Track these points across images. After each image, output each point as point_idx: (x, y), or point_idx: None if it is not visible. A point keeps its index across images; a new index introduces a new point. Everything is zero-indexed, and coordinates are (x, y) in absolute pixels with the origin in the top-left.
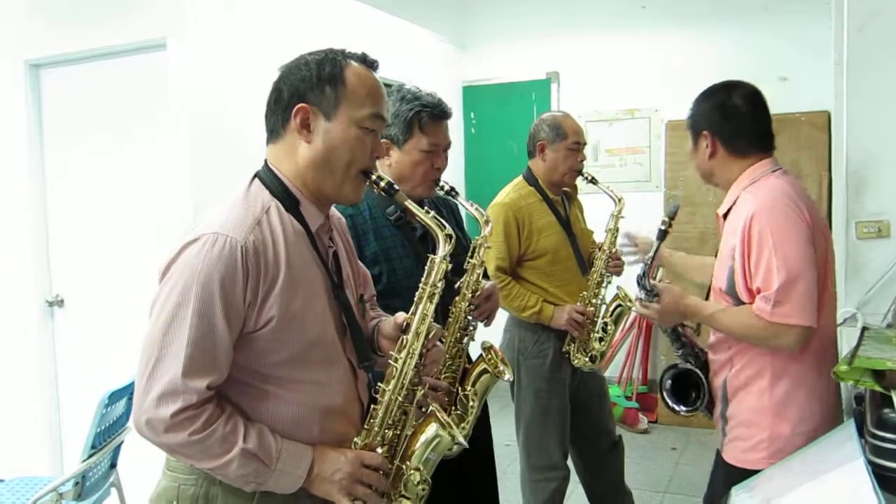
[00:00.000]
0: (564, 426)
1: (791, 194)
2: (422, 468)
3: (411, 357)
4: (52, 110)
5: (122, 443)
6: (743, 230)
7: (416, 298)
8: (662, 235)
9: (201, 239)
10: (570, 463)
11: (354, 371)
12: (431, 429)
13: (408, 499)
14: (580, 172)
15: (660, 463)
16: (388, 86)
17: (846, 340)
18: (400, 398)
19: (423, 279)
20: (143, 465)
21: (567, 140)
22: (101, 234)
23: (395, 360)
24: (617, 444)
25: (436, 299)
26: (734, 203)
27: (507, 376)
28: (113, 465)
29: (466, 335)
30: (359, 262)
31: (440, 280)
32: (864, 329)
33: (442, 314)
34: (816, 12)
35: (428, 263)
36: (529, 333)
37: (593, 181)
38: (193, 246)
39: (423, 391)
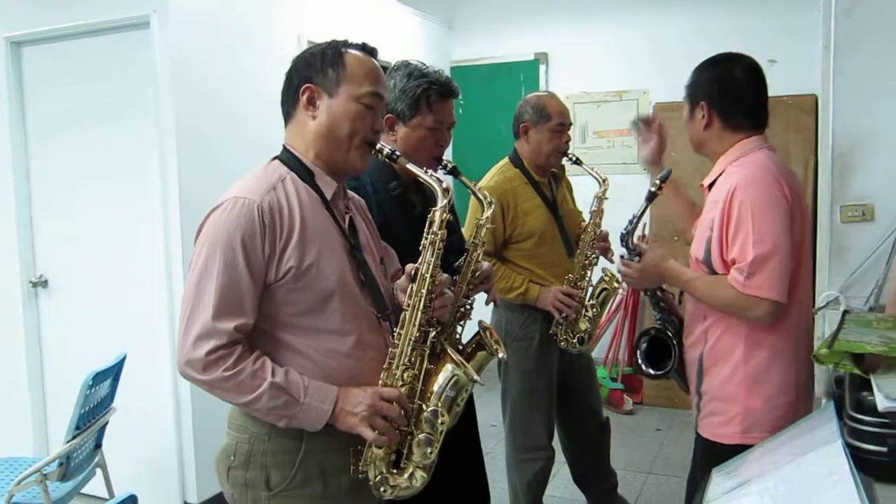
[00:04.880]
0: (550, 407)
1: (773, 170)
2: (440, 405)
3: (419, 300)
4: (34, 88)
5: (106, 423)
6: (724, 201)
7: (420, 248)
8: (651, 197)
9: (224, 204)
10: (555, 443)
11: (381, 324)
12: (447, 369)
13: (429, 434)
14: (565, 154)
15: (644, 444)
16: (383, 68)
17: (828, 323)
18: (413, 338)
19: (425, 229)
20: (128, 445)
21: (551, 122)
22: (85, 214)
23: (407, 306)
24: (604, 426)
25: (438, 246)
26: (720, 175)
27: (502, 354)
28: (98, 446)
29: (463, 316)
30: (381, 240)
31: (441, 229)
32: (845, 312)
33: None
34: None
35: (430, 214)
36: (516, 315)
37: (577, 162)
38: (217, 210)
39: (434, 332)
